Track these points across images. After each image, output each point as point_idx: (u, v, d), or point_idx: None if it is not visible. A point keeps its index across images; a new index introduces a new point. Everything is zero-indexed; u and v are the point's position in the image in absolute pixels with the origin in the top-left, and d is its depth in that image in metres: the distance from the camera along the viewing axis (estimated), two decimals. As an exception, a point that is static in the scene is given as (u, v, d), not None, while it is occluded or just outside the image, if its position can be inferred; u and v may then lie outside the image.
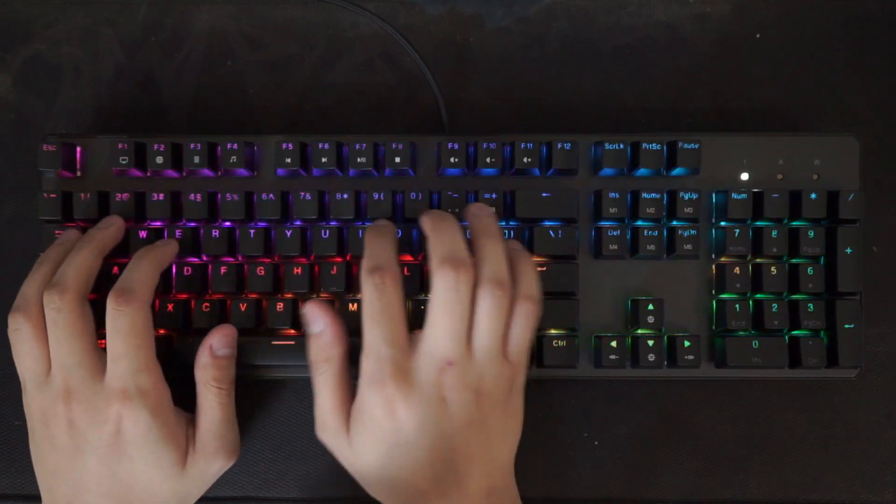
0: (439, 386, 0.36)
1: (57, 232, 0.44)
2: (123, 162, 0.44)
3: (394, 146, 0.44)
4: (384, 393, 0.36)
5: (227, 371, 0.41)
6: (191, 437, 0.40)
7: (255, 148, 0.45)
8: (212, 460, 0.40)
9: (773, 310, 0.44)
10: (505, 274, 0.38)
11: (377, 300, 0.37)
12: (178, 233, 0.44)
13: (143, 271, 0.40)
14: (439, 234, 0.38)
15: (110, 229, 0.42)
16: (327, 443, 0.39)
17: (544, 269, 0.43)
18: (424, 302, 0.39)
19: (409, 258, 0.44)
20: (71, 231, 0.43)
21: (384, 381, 0.36)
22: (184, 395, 0.41)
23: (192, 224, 0.44)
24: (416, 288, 0.43)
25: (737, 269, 0.44)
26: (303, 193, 0.44)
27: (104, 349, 0.39)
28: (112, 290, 0.38)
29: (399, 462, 0.36)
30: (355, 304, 0.43)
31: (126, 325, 0.38)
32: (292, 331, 0.44)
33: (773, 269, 0.44)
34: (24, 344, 0.39)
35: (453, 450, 0.36)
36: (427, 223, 0.39)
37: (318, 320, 0.39)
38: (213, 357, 0.41)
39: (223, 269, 0.44)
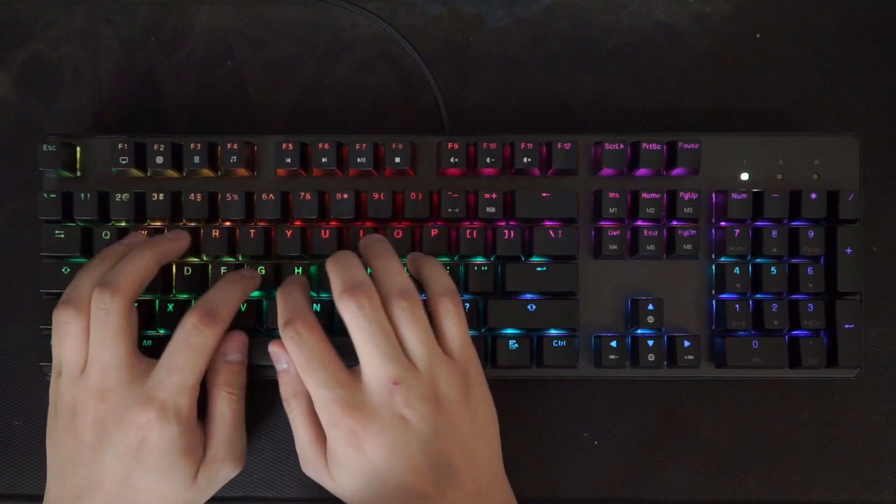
0: (394, 406, 0.36)
1: (57, 232, 0.44)
2: (123, 162, 0.44)
3: (394, 146, 0.44)
4: (343, 431, 0.37)
5: (238, 377, 0.41)
6: (204, 448, 0.40)
7: (255, 148, 0.45)
8: (221, 467, 0.40)
9: (773, 310, 0.44)
10: (405, 283, 0.38)
11: (299, 351, 0.37)
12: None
13: (232, 297, 0.40)
14: (335, 270, 0.39)
15: (178, 242, 0.42)
16: (312, 476, 0.40)
17: (544, 269, 0.43)
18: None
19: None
20: (138, 234, 0.43)
21: (339, 422, 0.37)
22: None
23: (192, 224, 0.44)
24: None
25: (737, 269, 0.44)
26: (303, 193, 0.44)
27: (141, 353, 0.39)
28: (198, 306, 0.39)
29: (382, 489, 0.37)
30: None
31: (200, 345, 0.38)
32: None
33: (773, 269, 0.44)
34: (70, 337, 0.38)
35: (429, 463, 0.36)
36: (327, 266, 0.39)
37: (281, 357, 0.40)
38: (226, 363, 0.41)
39: (223, 269, 0.44)
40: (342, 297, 0.37)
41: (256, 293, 0.44)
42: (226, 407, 0.40)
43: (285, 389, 0.40)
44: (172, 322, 0.43)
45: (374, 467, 0.36)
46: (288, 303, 0.39)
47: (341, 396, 0.37)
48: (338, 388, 0.37)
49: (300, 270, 0.44)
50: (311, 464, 0.39)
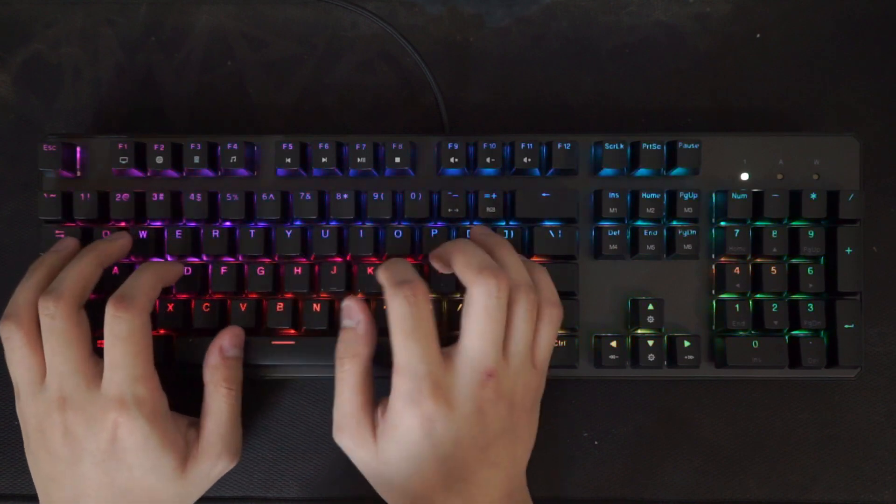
0: (479, 399, 0.36)
1: (57, 232, 0.44)
2: (123, 162, 0.44)
3: (394, 146, 0.44)
4: (422, 412, 0.36)
5: (236, 372, 0.41)
6: (192, 441, 0.40)
7: (255, 148, 0.45)
8: (216, 462, 0.40)
9: (773, 310, 0.44)
10: (530, 279, 0.38)
11: (410, 315, 0.36)
12: (178, 233, 0.44)
13: (144, 280, 0.39)
14: (468, 251, 0.38)
15: (116, 243, 0.42)
16: (346, 446, 0.38)
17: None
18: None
19: (409, 260, 0.44)
20: (67, 239, 0.43)
21: (422, 401, 0.36)
22: (183, 396, 0.41)
23: (192, 224, 0.44)
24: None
25: (737, 269, 0.44)
26: (303, 193, 0.44)
27: (100, 356, 0.39)
28: (112, 296, 0.38)
29: (428, 473, 0.36)
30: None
31: (124, 331, 0.37)
32: (292, 331, 0.44)
33: (773, 269, 0.44)
34: (17, 351, 0.38)
35: (484, 459, 0.36)
36: (451, 249, 0.39)
37: (355, 314, 0.39)
38: (223, 358, 0.41)
39: (223, 269, 0.44)
40: (482, 274, 0.36)
41: (256, 295, 0.44)
42: (223, 402, 0.40)
43: (346, 348, 0.38)
44: (173, 323, 0.43)
45: (436, 452, 0.36)
46: (400, 267, 0.38)
47: (434, 374, 0.36)
48: (434, 365, 0.36)
49: (300, 270, 0.44)
50: (350, 433, 0.38)
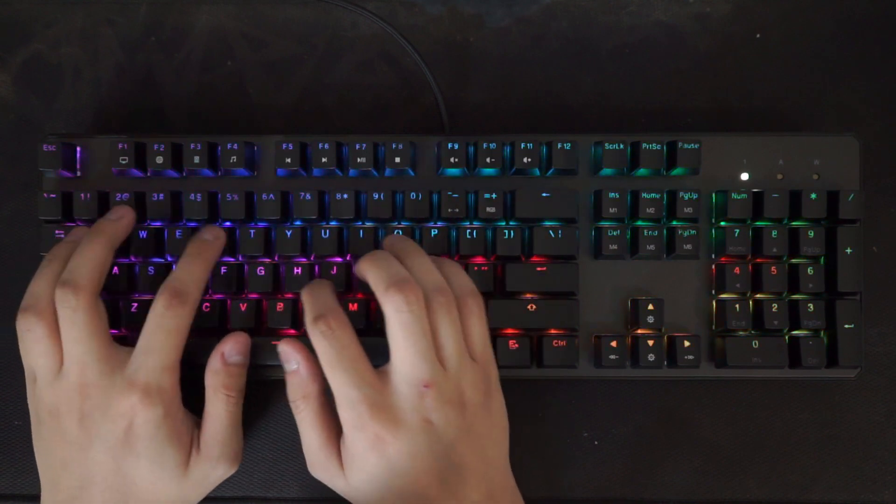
0: (423, 411, 0.36)
1: (57, 232, 0.44)
2: (123, 162, 0.44)
3: (394, 146, 0.44)
4: (368, 435, 0.36)
5: (237, 379, 0.41)
6: (195, 440, 0.40)
7: (255, 148, 0.45)
8: (214, 466, 0.40)
9: (773, 310, 0.44)
10: (440, 281, 0.38)
11: (329, 347, 0.37)
12: (178, 233, 0.44)
13: (198, 271, 0.40)
14: (376, 266, 0.38)
15: (121, 221, 0.42)
16: (322, 479, 0.39)
17: (544, 269, 0.43)
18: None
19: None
20: (80, 228, 0.43)
21: (365, 425, 0.36)
22: (183, 396, 0.40)
23: (193, 224, 0.44)
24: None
25: (737, 269, 0.44)
26: (303, 193, 0.44)
27: (116, 342, 0.39)
28: (166, 287, 0.38)
29: (398, 491, 0.36)
30: (355, 304, 0.43)
31: (173, 325, 0.38)
32: (292, 331, 0.44)
33: (773, 269, 0.44)
34: (38, 343, 0.38)
35: (449, 466, 0.36)
36: (362, 264, 0.39)
37: (292, 357, 0.39)
38: (224, 364, 0.41)
39: (223, 269, 0.44)
40: (388, 291, 0.36)
41: (256, 295, 0.44)
42: (223, 408, 0.40)
43: (294, 391, 0.39)
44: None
45: (395, 471, 0.36)
46: (317, 299, 0.38)
47: (369, 397, 0.36)
48: (366, 388, 0.36)
49: (300, 270, 0.44)
50: (321, 466, 0.39)
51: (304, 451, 0.39)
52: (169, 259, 0.44)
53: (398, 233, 0.44)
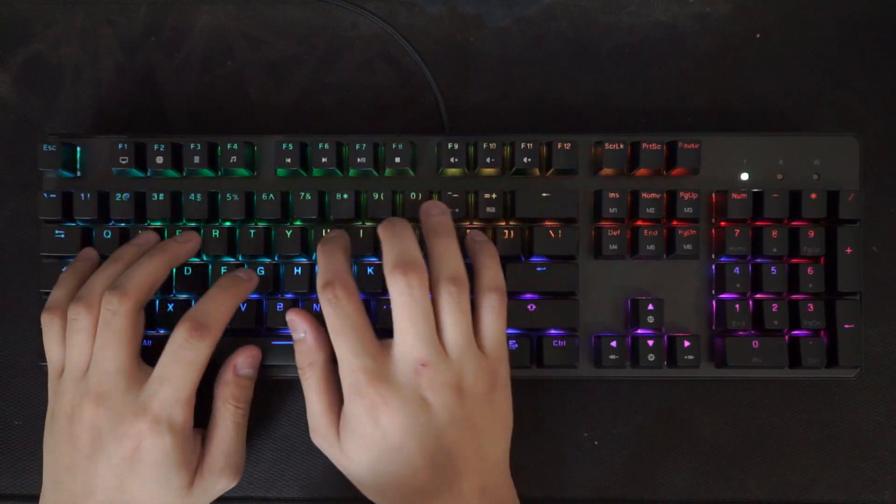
0: (417, 387, 0.36)
1: (57, 232, 0.44)
2: (123, 162, 0.44)
3: (394, 146, 0.44)
4: (365, 400, 0.37)
5: (247, 391, 0.42)
6: (200, 457, 0.40)
7: (255, 148, 0.45)
8: (218, 478, 0.40)
9: (773, 310, 0.44)
10: (458, 269, 0.38)
11: (334, 315, 0.37)
12: (178, 233, 0.44)
13: (224, 307, 0.40)
14: (389, 240, 0.38)
15: (188, 245, 0.42)
16: (321, 446, 0.40)
17: (544, 269, 0.43)
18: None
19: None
20: (150, 233, 0.43)
21: (361, 390, 0.37)
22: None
23: (192, 224, 0.44)
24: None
25: (737, 269, 0.44)
26: (303, 193, 0.44)
27: (143, 361, 0.39)
28: (189, 317, 0.39)
29: (389, 466, 0.37)
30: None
31: (191, 357, 0.38)
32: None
33: (773, 269, 0.44)
34: (77, 335, 0.38)
35: (441, 450, 0.36)
36: (380, 232, 0.39)
37: (299, 326, 0.40)
38: (235, 376, 0.41)
39: (223, 269, 0.44)
40: (394, 272, 0.37)
41: (256, 295, 0.44)
42: (230, 420, 0.40)
43: (301, 358, 0.40)
44: (172, 322, 0.43)
45: (386, 442, 0.36)
46: (330, 263, 0.39)
47: (369, 366, 0.37)
48: (367, 357, 0.37)
49: (300, 270, 0.44)
50: (321, 433, 0.39)
51: (308, 416, 0.40)
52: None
53: (435, 197, 0.43)
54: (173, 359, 0.38)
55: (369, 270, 0.43)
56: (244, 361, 0.42)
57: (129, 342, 0.38)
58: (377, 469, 0.37)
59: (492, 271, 0.39)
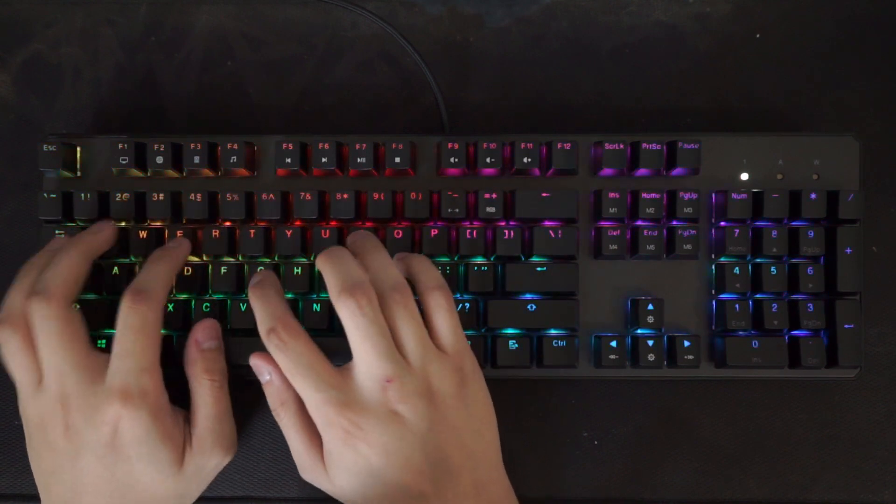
0: (387, 403, 0.36)
1: (57, 232, 0.44)
2: (123, 162, 0.44)
3: (394, 146, 0.44)
4: (339, 431, 0.36)
5: (216, 363, 0.41)
6: (187, 435, 0.40)
7: (255, 148, 0.45)
8: (209, 456, 0.40)
9: (773, 310, 0.44)
10: (397, 278, 0.38)
11: (286, 358, 0.37)
12: (178, 233, 0.44)
13: (159, 273, 0.40)
14: (330, 267, 0.38)
15: (100, 234, 0.42)
16: (312, 482, 0.40)
17: (544, 269, 0.43)
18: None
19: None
20: (58, 239, 0.43)
21: (333, 421, 0.37)
22: (183, 396, 0.41)
23: (192, 224, 0.44)
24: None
25: (737, 269, 0.44)
26: (303, 193, 0.44)
27: (97, 349, 0.39)
28: (128, 289, 0.38)
29: (381, 489, 0.37)
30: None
31: (138, 323, 0.38)
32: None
33: (773, 269, 0.44)
34: (15, 356, 0.38)
35: (426, 458, 0.36)
36: (319, 263, 0.39)
37: (263, 369, 0.40)
38: (200, 351, 0.41)
39: (223, 269, 0.44)
40: (341, 296, 0.37)
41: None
42: (207, 394, 0.40)
43: (272, 400, 0.40)
44: (172, 322, 0.43)
45: (371, 465, 0.36)
46: (266, 307, 0.39)
47: (333, 397, 0.37)
48: (329, 389, 0.37)
49: (300, 270, 0.44)
50: (308, 469, 0.39)
51: (293, 455, 0.40)
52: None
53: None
54: (124, 329, 0.38)
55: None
56: (204, 335, 0.41)
57: (72, 339, 0.38)
58: (370, 494, 0.37)
59: (426, 272, 0.40)
